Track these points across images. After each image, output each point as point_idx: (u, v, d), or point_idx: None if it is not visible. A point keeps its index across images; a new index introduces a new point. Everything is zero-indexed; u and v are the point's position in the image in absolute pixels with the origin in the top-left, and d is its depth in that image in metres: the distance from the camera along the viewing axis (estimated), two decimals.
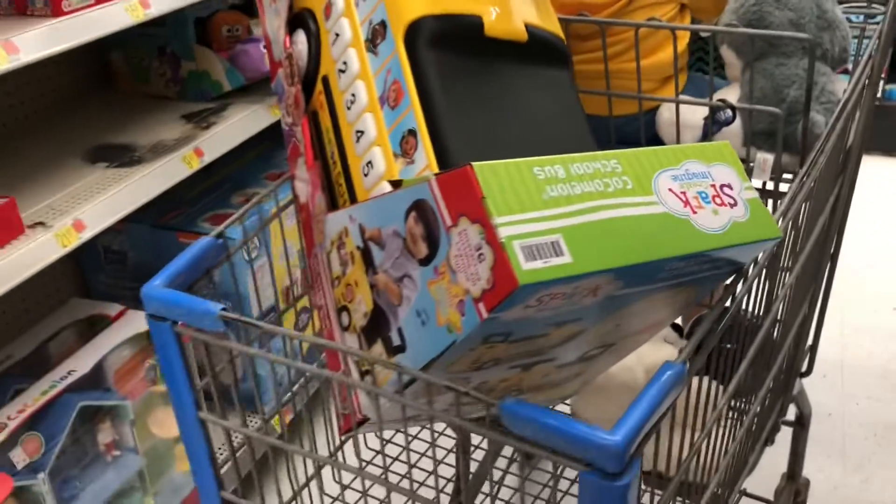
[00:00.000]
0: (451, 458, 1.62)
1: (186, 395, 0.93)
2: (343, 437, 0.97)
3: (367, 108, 0.99)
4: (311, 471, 1.12)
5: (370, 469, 1.42)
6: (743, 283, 0.89)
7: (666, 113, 1.37)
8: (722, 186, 0.80)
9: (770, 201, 1.33)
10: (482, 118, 0.94)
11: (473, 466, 1.73)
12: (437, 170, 0.89)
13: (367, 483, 0.95)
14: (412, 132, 0.92)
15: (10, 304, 1.84)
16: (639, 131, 1.33)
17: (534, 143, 0.95)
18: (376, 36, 0.99)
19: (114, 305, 1.74)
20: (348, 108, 1.01)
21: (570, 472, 0.71)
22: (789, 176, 1.34)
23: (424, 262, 0.77)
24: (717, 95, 1.32)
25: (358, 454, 0.91)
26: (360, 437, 1.16)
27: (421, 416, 0.94)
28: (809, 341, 1.57)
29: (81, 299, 1.82)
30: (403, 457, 0.90)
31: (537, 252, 0.67)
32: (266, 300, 1.93)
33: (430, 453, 1.37)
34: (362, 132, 0.99)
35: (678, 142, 1.35)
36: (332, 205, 1.03)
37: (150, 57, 1.97)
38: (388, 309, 0.85)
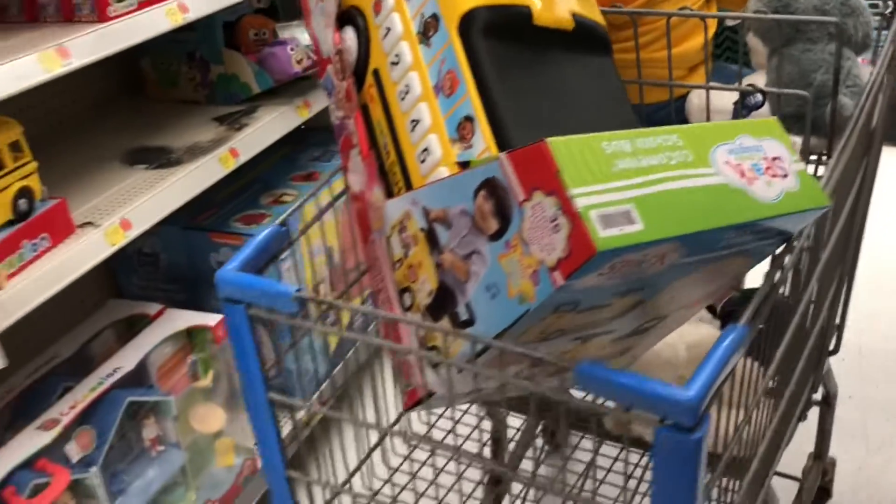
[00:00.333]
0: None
1: (257, 376, 0.97)
2: (403, 412, 1.01)
3: (421, 98, 1.03)
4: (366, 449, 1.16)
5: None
6: (789, 257, 0.94)
7: (695, 99, 1.41)
8: (773, 159, 0.84)
9: None
10: (535, 103, 0.99)
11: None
12: (496, 152, 0.94)
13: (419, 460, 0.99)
14: (469, 118, 0.97)
15: (50, 307, 1.88)
16: (669, 117, 1.37)
17: (584, 127, 0.99)
18: (429, 28, 1.03)
19: (152, 305, 1.78)
20: (402, 99, 1.06)
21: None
22: (814, 157, 1.39)
23: (495, 237, 0.81)
24: (745, 81, 1.37)
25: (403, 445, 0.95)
26: (413, 416, 1.20)
27: (486, 391, 0.98)
28: (837, 320, 1.61)
29: (119, 300, 1.86)
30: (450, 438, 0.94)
31: (612, 220, 0.71)
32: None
33: (475, 435, 1.40)
34: (417, 121, 1.03)
35: None
36: (388, 192, 1.07)
37: (179, 62, 2.01)
38: (454, 286, 0.89)
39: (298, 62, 1.95)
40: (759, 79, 1.40)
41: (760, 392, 1.07)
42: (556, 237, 0.73)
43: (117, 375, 1.58)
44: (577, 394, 1.27)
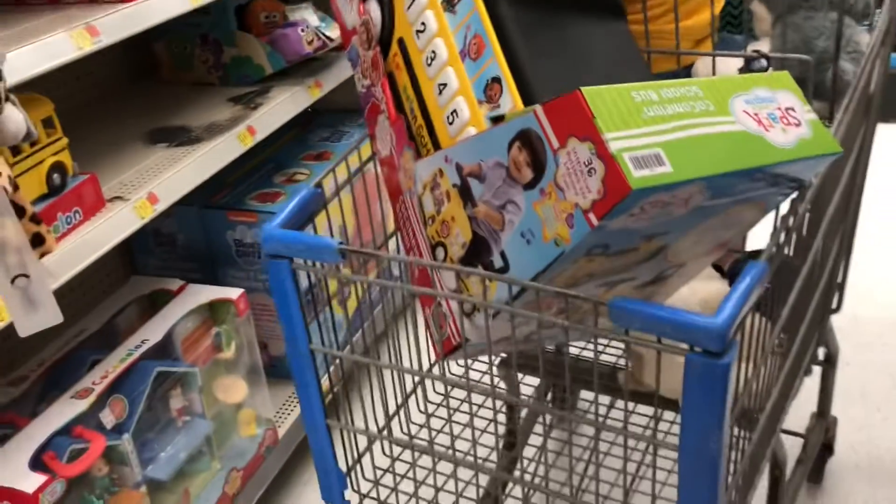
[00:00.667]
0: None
1: (300, 327, 1.03)
2: (442, 360, 1.06)
3: (448, 63, 1.08)
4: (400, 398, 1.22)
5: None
6: (801, 203, 1.00)
7: (702, 67, 1.47)
8: (787, 109, 0.90)
9: None
10: (558, 63, 1.04)
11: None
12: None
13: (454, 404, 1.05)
14: (496, 79, 1.02)
15: (75, 284, 1.93)
16: None
17: (605, 84, 1.05)
18: None
19: (174, 280, 1.83)
20: (428, 65, 1.11)
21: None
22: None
23: (529, 186, 0.87)
24: (749, 48, 1.42)
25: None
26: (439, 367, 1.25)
27: (517, 339, 1.04)
28: (839, 279, 1.67)
29: (141, 277, 1.91)
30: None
31: (643, 162, 0.77)
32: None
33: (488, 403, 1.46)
34: (445, 85, 1.08)
35: None
36: (416, 155, 1.13)
37: (192, 45, 2.06)
38: (489, 236, 0.94)
39: (309, 43, 2.00)
40: (764, 45, 1.46)
41: (770, 346, 1.13)
42: (591, 180, 0.79)
43: (145, 347, 1.63)
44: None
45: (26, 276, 1.03)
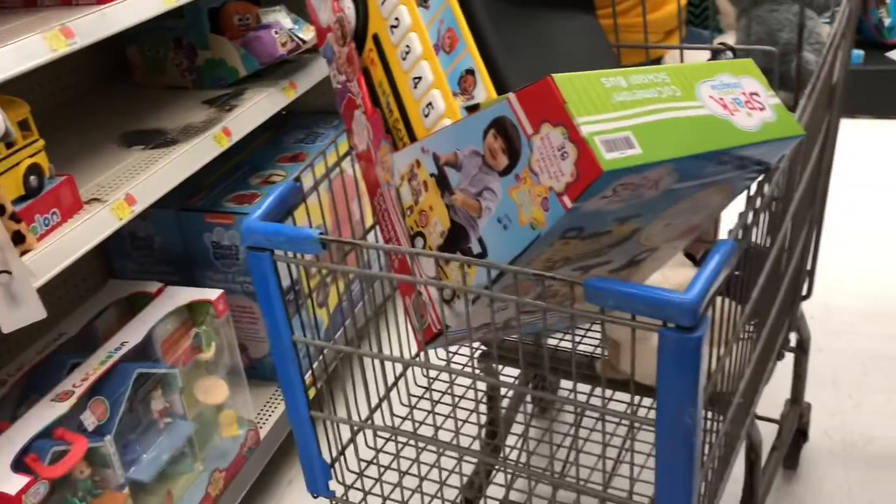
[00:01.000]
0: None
1: (282, 320, 1.04)
2: (423, 349, 1.08)
3: (422, 57, 1.10)
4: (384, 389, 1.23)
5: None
6: (767, 186, 1.03)
7: (670, 61, 1.51)
8: (751, 94, 0.93)
9: None
10: (529, 55, 1.07)
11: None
12: None
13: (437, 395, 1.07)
14: (470, 71, 1.04)
15: (51, 288, 1.92)
16: None
17: None
18: None
19: (153, 283, 1.83)
20: (403, 59, 1.13)
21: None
22: None
23: (505, 172, 0.89)
24: (716, 41, 1.46)
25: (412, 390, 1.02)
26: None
27: (497, 326, 1.06)
28: (808, 266, 1.71)
29: (119, 280, 1.91)
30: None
31: (614, 145, 0.79)
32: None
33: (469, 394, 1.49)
34: (420, 78, 1.10)
35: None
36: (393, 148, 1.15)
37: (165, 48, 2.06)
38: (467, 223, 0.96)
39: (283, 45, 2.01)
40: (730, 39, 1.50)
41: (739, 327, 1.16)
42: (565, 164, 0.81)
43: (124, 349, 1.63)
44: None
45: (8, 272, 1.04)
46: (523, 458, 1.27)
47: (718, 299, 1.09)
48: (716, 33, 1.54)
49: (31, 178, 1.40)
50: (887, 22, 3.80)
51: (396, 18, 1.14)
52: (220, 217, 1.98)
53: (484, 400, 1.53)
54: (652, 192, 0.87)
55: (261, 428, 1.99)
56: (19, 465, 1.37)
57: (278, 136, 2.41)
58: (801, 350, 1.87)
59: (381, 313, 1.19)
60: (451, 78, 1.07)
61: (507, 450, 1.50)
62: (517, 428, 1.79)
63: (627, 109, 0.83)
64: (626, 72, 0.86)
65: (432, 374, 1.52)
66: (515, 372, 1.90)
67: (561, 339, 1.64)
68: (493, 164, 0.90)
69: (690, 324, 0.79)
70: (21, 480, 1.32)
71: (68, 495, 1.46)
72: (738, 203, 1.04)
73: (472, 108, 0.96)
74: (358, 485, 1.23)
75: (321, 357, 1.09)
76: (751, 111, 0.91)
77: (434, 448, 1.12)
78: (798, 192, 1.36)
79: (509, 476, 1.11)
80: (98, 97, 2.10)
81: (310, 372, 1.15)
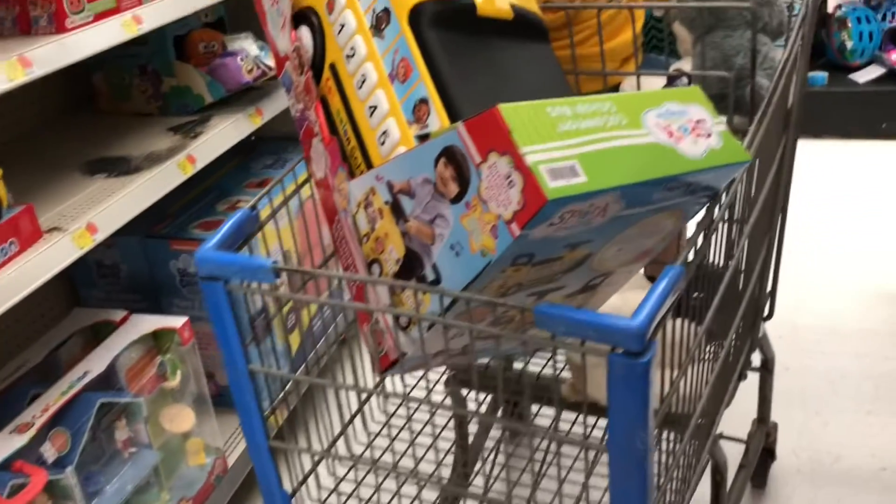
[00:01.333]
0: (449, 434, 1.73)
1: (237, 349, 1.04)
2: (380, 376, 1.08)
3: (377, 86, 1.11)
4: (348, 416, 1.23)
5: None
6: (717, 210, 1.04)
7: (628, 87, 1.53)
8: (697, 121, 0.95)
9: None
10: (483, 84, 1.08)
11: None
12: None
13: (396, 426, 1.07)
14: (424, 100, 1.05)
15: (13, 318, 1.90)
16: None
17: None
18: (381, 22, 1.12)
19: (117, 311, 1.82)
20: (359, 88, 1.14)
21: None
22: (739, 134, 1.51)
23: (456, 199, 0.90)
24: (672, 68, 1.49)
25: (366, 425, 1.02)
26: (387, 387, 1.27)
27: (454, 352, 1.06)
28: (769, 288, 1.73)
29: (84, 308, 1.89)
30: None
31: (559, 173, 0.81)
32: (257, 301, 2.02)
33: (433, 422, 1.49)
34: (375, 107, 1.11)
35: None
36: (350, 175, 1.15)
37: (131, 75, 2.06)
38: (421, 250, 0.97)
39: (249, 72, 2.02)
40: (686, 64, 1.52)
41: (694, 346, 1.17)
42: (512, 192, 0.82)
43: (87, 379, 1.62)
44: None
45: None
46: (495, 485, 1.27)
47: (675, 321, 1.10)
48: (673, 59, 1.56)
49: None
50: (850, 45, 3.89)
51: (352, 48, 1.15)
52: (186, 244, 1.98)
53: (448, 425, 1.53)
54: (600, 219, 0.88)
55: (228, 455, 1.97)
56: None
57: (246, 162, 2.41)
58: (766, 370, 1.89)
59: (349, 339, 1.19)
60: (405, 107, 1.08)
61: (475, 475, 1.50)
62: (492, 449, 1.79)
63: (573, 138, 0.84)
64: (572, 101, 0.87)
65: (398, 400, 1.52)
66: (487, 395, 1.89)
67: (527, 363, 1.64)
68: (445, 191, 0.91)
69: (638, 349, 0.80)
70: None
71: None
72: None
73: (423, 137, 0.97)
74: None
75: (283, 386, 1.08)
76: (696, 138, 0.93)
77: (400, 475, 1.11)
78: (754, 215, 1.37)
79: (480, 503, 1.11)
80: (65, 124, 2.09)
81: (276, 399, 1.15)
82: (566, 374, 1.58)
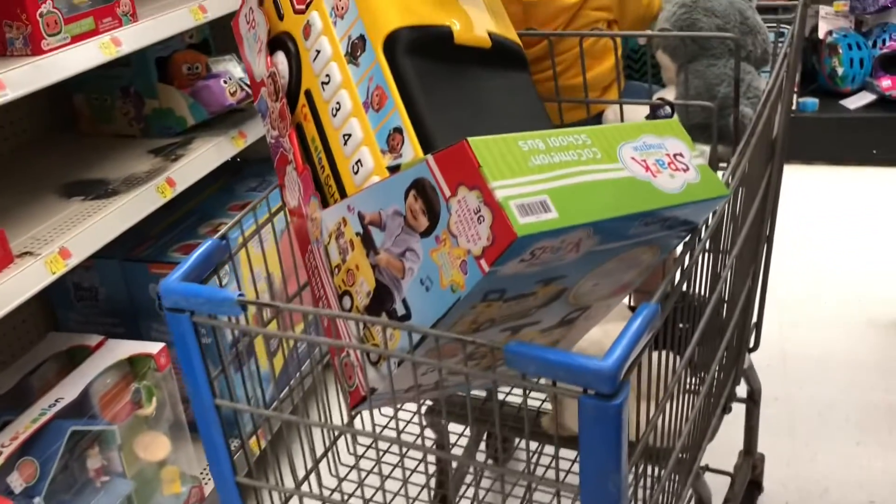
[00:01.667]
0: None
1: (203, 382, 1.01)
2: (352, 413, 1.05)
3: (352, 114, 1.09)
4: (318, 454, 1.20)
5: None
6: (698, 244, 1.02)
7: (611, 115, 1.51)
8: (675, 155, 0.93)
9: None
10: (459, 114, 1.06)
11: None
12: None
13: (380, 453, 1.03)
14: (398, 130, 1.03)
15: None
16: None
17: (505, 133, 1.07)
18: (356, 49, 1.10)
19: (93, 336, 1.79)
20: (333, 116, 1.12)
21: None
22: (724, 165, 1.49)
23: (426, 233, 0.87)
24: (655, 96, 1.47)
25: (350, 453, 0.99)
26: (358, 421, 1.24)
27: (426, 387, 1.03)
28: (755, 319, 1.71)
29: (59, 333, 1.86)
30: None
31: (529, 209, 0.78)
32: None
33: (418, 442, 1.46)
34: (349, 135, 1.09)
35: None
36: (323, 204, 1.13)
37: (112, 97, 2.04)
38: (391, 283, 0.94)
39: (232, 94, 2.00)
40: (669, 93, 1.50)
41: (676, 376, 1.14)
42: (481, 227, 0.80)
43: (59, 406, 1.58)
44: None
45: None
46: None
47: (655, 354, 1.07)
48: (657, 87, 1.54)
49: None
50: (840, 71, 3.90)
51: (328, 75, 1.13)
52: (166, 267, 1.95)
53: (425, 459, 1.50)
54: (573, 255, 0.86)
55: (206, 484, 1.93)
56: None
57: (231, 184, 2.38)
58: (752, 401, 1.86)
59: (324, 373, 1.16)
60: (379, 136, 1.06)
61: None
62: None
63: (545, 172, 0.82)
64: (545, 134, 0.85)
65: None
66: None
67: (508, 394, 1.62)
68: (415, 224, 0.89)
69: (610, 391, 0.77)
70: None
71: None
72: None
73: (394, 169, 0.95)
74: None
75: (252, 418, 1.05)
76: (674, 172, 0.91)
77: None
78: (738, 245, 1.35)
79: None
80: (45, 146, 2.07)
81: (247, 435, 1.12)
82: (548, 406, 1.55)
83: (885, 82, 3.81)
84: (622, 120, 1.47)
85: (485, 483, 1.80)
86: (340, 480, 1.11)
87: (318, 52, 1.15)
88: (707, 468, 1.84)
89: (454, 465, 1.80)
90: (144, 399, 1.76)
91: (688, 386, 1.27)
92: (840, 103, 3.91)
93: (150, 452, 1.79)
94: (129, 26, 1.67)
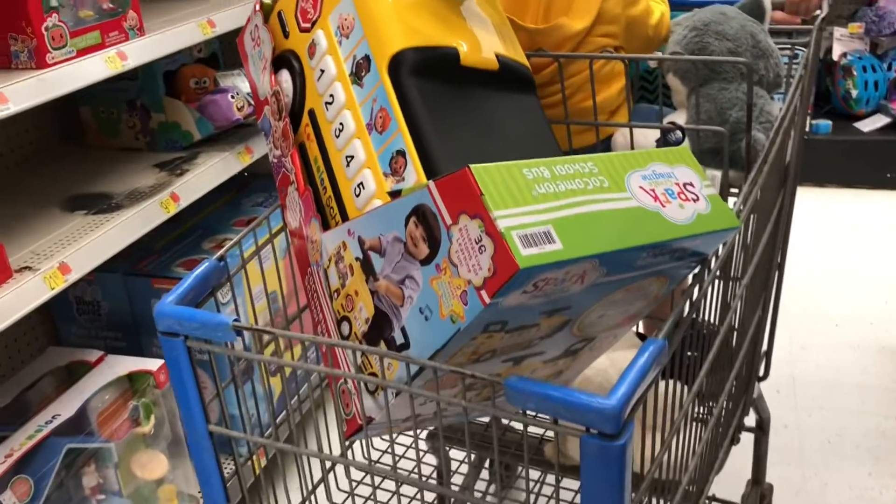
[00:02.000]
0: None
1: (196, 408, 0.98)
2: (348, 441, 1.03)
3: (355, 135, 1.07)
4: (315, 479, 1.17)
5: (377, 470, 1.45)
6: (708, 274, 0.99)
7: (620, 138, 1.48)
8: (685, 184, 0.90)
9: None
10: (464, 138, 1.03)
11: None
12: None
13: (376, 481, 1.01)
14: (401, 153, 1.01)
15: None
16: None
17: (511, 159, 1.04)
18: (361, 69, 1.08)
19: (93, 351, 1.77)
20: (337, 136, 1.10)
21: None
22: (735, 190, 1.46)
23: (426, 261, 0.85)
24: (666, 120, 1.44)
25: (346, 478, 0.96)
26: (357, 446, 1.21)
27: (423, 417, 1.01)
28: (765, 347, 1.67)
29: (59, 347, 1.84)
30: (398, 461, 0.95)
31: (532, 240, 0.76)
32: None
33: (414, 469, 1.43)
34: (352, 157, 1.07)
35: None
36: (324, 227, 1.11)
37: (119, 110, 2.03)
38: (390, 311, 0.92)
39: (239, 109, 1.99)
40: (680, 116, 1.47)
41: (683, 411, 1.11)
42: (482, 258, 0.77)
43: (56, 423, 1.56)
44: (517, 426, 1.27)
45: None
46: None
47: (662, 383, 1.04)
48: (668, 110, 1.52)
49: None
50: (854, 93, 3.86)
51: (331, 95, 1.11)
52: (168, 282, 1.93)
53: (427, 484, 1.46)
54: (577, 287, 0.83)
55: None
56: None
57: (237, 198, 2.37)
58: (761, 430, 1.82)
59: (322, 396, 1.13)
60: (382, 158, 1.04)
61: None
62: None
63: (550, 202, 0.79)
64: (550, 162, 0.83)
65: (374, 456, 1.46)
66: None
67: (510, 420, 1.58)
68: (415, 252, 0.86)
69: (613, 431, 0.74)
70: None
71: None
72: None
73: (396, 193, 0.92)
74: None
75: (247, 443, 1.03)
76: (683, 202, 0.88)
77: None
78: (749, 272, 1.32)
79: None
80: (49, 158, 2.06)
81: (242, 461, 1.09)
82: (552, 433, 1.52)
83: None
84: (632, 143, 1.45)
85: None
86: None
87: (323, 71, 1.13)
88: (714, 498, 1.80)
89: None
90: (143, 416, 1.73)
91: (697, 415, 1.24)
92: (854, 126, 3.87)
93: (147, 471, 1.76)
94: (136, 40, 1.65)
